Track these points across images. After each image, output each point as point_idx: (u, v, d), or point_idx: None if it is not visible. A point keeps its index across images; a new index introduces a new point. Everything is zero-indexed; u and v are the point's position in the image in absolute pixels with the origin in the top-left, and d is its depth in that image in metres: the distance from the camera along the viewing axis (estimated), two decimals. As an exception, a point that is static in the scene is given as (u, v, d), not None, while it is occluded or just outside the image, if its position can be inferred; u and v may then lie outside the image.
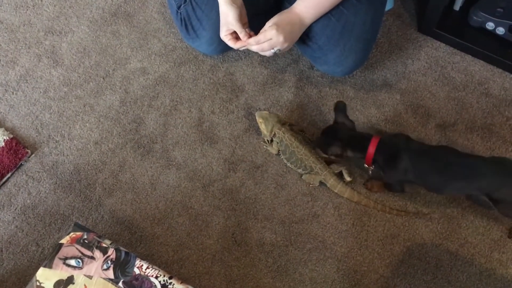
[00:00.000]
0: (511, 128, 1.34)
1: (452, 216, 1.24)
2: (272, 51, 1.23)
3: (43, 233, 1.26)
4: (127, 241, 1.24)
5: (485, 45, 1.41)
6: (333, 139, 1.20)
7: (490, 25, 1.39)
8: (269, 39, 1.21)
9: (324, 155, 1.24)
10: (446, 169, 1.13)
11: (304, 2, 1.24)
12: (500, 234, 1.22)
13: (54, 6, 1.56)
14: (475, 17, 1.40)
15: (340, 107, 1.23)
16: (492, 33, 1.40)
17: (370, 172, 1.22)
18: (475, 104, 1.37)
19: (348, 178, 1.27)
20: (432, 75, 1.42)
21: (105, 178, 1.32)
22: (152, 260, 1.21)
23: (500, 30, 1.38)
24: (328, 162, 1.28)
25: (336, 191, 1.26)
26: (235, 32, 1.25)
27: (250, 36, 1.24)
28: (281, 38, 1.20)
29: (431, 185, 1.17)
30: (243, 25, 1.23)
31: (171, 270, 1.21)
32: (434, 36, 1.46)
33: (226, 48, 1.42)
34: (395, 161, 1.15)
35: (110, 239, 1.11)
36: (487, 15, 1.37)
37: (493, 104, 1.37)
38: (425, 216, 1.24)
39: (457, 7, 1.45)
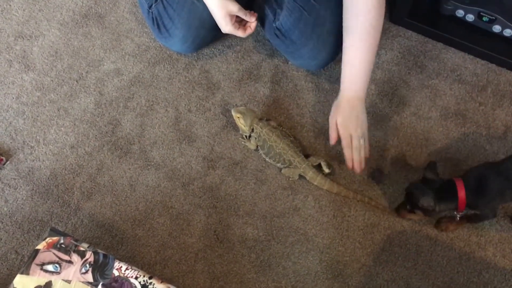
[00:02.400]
0: (484, 113, 1.36)
1: (430, 202, 1.26)
2: (361, 145, 1.19)
3: (22, 240, 1.24)
4: (108, 244, 1.23)
5: (456, 32, 1.43)
6: (424, 195, 1.10)
7: (460, 13, 1.41)
8: (349, 135, 1.18)
9: (413, 216, 1.18)
10: None
11: (347, 79, 1.19)
12: (478, 218, 1.24)
13: (23, 10, 1.54)
14: (445, 5, 1.42)
15: (432, 166, 1.14)
16: (462, 20, 1.42)
17: (458, 218, 1.17)
18: (448, 91, 1.39)
19: (326, 170, 1.28)
20: (405, 64, 1.43)
21: (83, 182, 1.31)
22: (134, 262, 1.21)
23: (470, 17, 1.40)
24: (306, 155, 1.29)
25: (315, 183, 1.27)
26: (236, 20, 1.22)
27: (254, 15, 1.24)
28: (358, 130, 1.18)
29: None
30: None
31: (154, 270, 1.20)
32: (405, 25, 1.48)
33: (200, 46, 1.42)
34: (486, 187, 1.09)
35: (90, 243, 1.10)
36: (457, 3, 1.39)
37: (465, 90, 1.39)
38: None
39: (427, -4, 1.47)
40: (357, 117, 1.20)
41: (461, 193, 1.08)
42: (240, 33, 1.26)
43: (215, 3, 1.22)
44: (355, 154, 1.20)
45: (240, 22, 1.27)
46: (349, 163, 1.21)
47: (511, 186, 1.10)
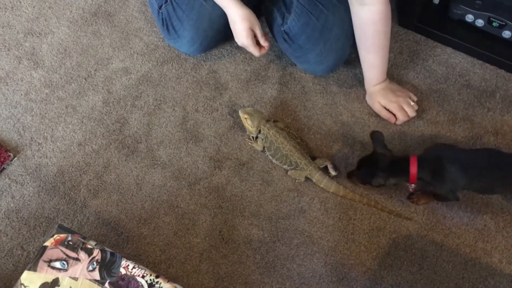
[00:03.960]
0: (493, 119, 1.35)
1: (437, 207, 1.26)
2: (412, 105, 1.33)
3: (28, 236, 1.24)
4: (113, 242, 1.23)
5: (465, 37, 1.42)
6: (376, 170, 1.17)
7: (469, 18, 1.40)
8: (398, 105, 1.31)
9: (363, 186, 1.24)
10: (496, 171, 1.14)
11: (371, 76, 1.31)
12: (484, 224, 1.23)
13: (33, 7, 1.54)
14: (454, 10, 1.41)
15: (377, 137, 1.20)
16: (471, 25, 1.41)
17: (411, 189, 1.22)
18: (456, 96, 1.39)
19: (333, 173, 1.28)
20: (414, 68, 1.43)
21: (90, 179, 1.31)
22: (139, 260, 1.21)
23: (480, 22, 1.39)
24: (313, 157, 1.28)
25: (322, 186, 1.27)
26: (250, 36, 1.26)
27: (268, 40, 1.29)
28: (400, 97, 1.31)
29: (482, 188, 1.18)
30: None
31: (159, 269, 1.20)
32: (414, 29, 1.47)
33: (208, 47, 1.42)
34: (442, 172, 1.13)
35: (95, 240, 1.11)
36: (466, 8, 1.39)
37: (474, 96, 1.38)
38: (407, 218, 1.24)
39: (436, 0, 1.47)
40: (392, 90, 1.32)
41: (413, 169, 1.14)
42: (255, 50, 1.28)
43: (240, 15, 1.23)
44: (410, 113, 1.32)
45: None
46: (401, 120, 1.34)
47: (464, 175, 1.14)
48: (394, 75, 1.42)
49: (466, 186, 1.17)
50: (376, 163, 1.18)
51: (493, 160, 1.16)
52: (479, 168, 1.15)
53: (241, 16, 1.24)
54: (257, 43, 1.28)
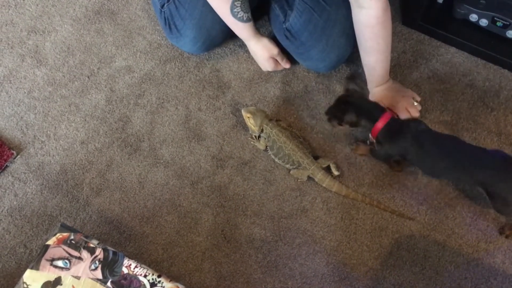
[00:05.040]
0: (496, 119, 1.35)
1: (439, 207, 1.25)
2: (415, 106, 1.32)
3: (31, 234, 1.25)
4: (116, 241, 1.23)
5: (469, 37, 1.42)
6: (349, 107, 1.19)
7: (473, 17, 1.40)
8: (401, 111, 1.31)
9: (339, 127, 1.25)
10: (449, 157, 1.16)
11: (373, 78, 1.30)
12: (487, 224, 1.23)
13: (37, 5, 1.54)
14: (458, 9, 1.41)
15: (352, 76, 1.25)
16: (475, 25, 1.41)
17: (369, 142, 1.26)
18: (460, 96, 1.38)
19: (336, 172, 1.28)
20: (417, 68, 1.42)
21: (92, 177, 1.31)
22: (141, 259, 1.21)
23: (483, 22, 1.39)
24: (316, 157, 1.28)
25: (324, 185, 1.27)
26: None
27: (289, 63, 1.39)
28: (403, 99, 1.31)
29: (429, 169, 1.21)
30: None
31: (161, 268, 1.20)
32: (418, 29, 1.47)
33: (211, 46, 1.42)
34: (397, 139, 1.17)
35: (98, 239, 1.11)
36: (470, 7, 1.38)
37: (477, 96, 1.38)
38: (410, 218, 1.25)
39: (440, -1, 1.46)
40: (395, 90, 1.32)
41: (381, 123, 1.17)
42: (279, 68, 1.41)
43: (259, 47, 1.36)
44: (413, 113, 1.31)
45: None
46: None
47: (417, 152, 1.16)
48: (398, 74, 1.41)
49: (416, 162, 1.21)
50: (349, 100, 1.21)
51: (450, 145, 1.18)
52: (433, 149, 1.17)
53: (261, 47, 1.35)
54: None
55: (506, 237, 1.21)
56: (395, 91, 1.32)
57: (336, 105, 1.23)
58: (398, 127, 1.18)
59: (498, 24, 1.36)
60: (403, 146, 1.17)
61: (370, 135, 1.21)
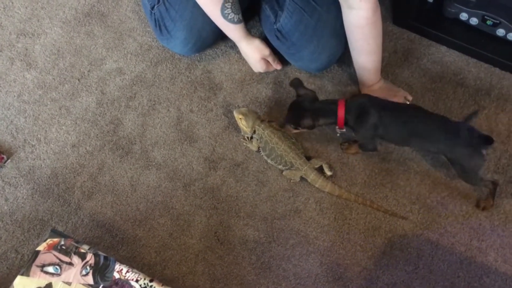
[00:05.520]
0: (487, 117, 1.35)
1: (432, 206, 1.26)
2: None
3: (22, 239, 1.23)
4: (108, 244, 1.23)
5: (459, 36, 1.42)
6: (303, 111, 1.23)
7: (464, 16, 1.40)
8: None
9: (296, 131, 1.27)
10: (409, 125, 1.20)
11: (364, 78, 1.31)
12: (479, 222, 1.23)
13: (26, 8, 1.53)
14: (449, 9, 1.41)
15: (296, 82, 1.27)
16: (466, 23, 1.41)
17: (338, 134, 1.28)
18: (451, 94, 1.39)
19: (328, 173, 1.28)
20: (408, 67, 1.43)
21: (84, 181, 1.30)
22: (134, 262, 1.21)
23: (474, 21, 1.39)
24: (308, 158, 1.28)
25: (317, 186, 1.27)
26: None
27: (280, 64, 1.39)
28: (395, 98, 1.29)
29: (396, 139, 1.25)
30: None
31: (154, 271, 1.20)
32: (409, 28, 1.47)
33: (201, 48, 1.42)
34: (365, 118, 1.19)
35: (90, 243, 1.10)
36: (460, 6, 1.38)
37: (469, 94, 1.38)
38: (403, 217, 1.25)
39: (431, -2, 1.46)
40: (386, 90, 1.32)
41: (341, 112, 1.20)
42: (271, 69, 1.40)
43: (250, 48, 1.35)
44: None
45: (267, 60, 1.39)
46: None
47: (384, 125, 1.19)
48: (389, 74, 1.41)
49: (384, 134, 1.22)
50: (302, 104, 1.24)
51: (412, 113, 1.21)
52: (396, 117, 1.20)
53: (253, 49, 1.35)
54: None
55: (483, 209, 1.24)
56: (387, 90, 1.33)
57: (290, 111, 1.26)
58: (359, 108, 1.21)
59: (488, 22, 1.37)
60: (372, 122, 1.19)
61: (337, 127, 1.24)
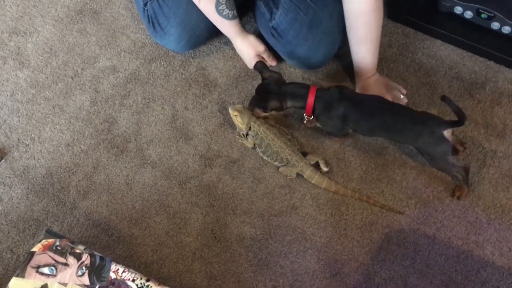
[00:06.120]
0: (483, 110, 1.35)
1: (428, 200, 1.26)
2: (402, 99, 1.33)
3: (17, 239, 1.23)
4: (104, 244, 1.22)
5: (454, 29, 1.42)
6: (269, 94, 1.22)
7: (458, 10, 1.40)
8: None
9: (265, 114, 1.27)
10: (377, 117, 1.21)
11: (362, 68, 1.30)
12: (476, 216, 1.24)
13: (17, 6, 1.52)
14: (443, 2, 1.41)
15: (260, 66, 1.27)
16: (460, 17, 1.41)
17: (305, 122, 1.29)
18: (446, 88, 1.38)
19: (324, 169, 1.27)
20: (403, 62, 1.42)
21: (79, 180, 1.29)
22: (131, 261, 1.20)
23: (468, 14, 1.39)
24: (304, 154, 1.28)
25: (313, 182, 1.26)
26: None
27: (275, 60, 1.39)
28: (389, 93, 1.31)
29: (364, 131, 1.26)
30: None
31: (151, 270, 1.19)
32: (404, 22, 1.47)
33: (195, 45, 1.41)
34: (333, 108, 1.21)
35: (86, 243, 1.09)
36: (455, 0, 1.38)
37: (464, 88, 1.38)
38: (399, 212, 1.25)
39: (425, -8, 1.46)
40: (382, 83, 1.32)
41: (311, 99, 1.20)
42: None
43: (245, 45, 1.35)
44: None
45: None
46: None
47: (351, 117, 1.21)
48: (384, 68, 1.41)
49: (353, 126, 1.24)
50: (268, 87, 1.23)
51: (379, 105, 1.22)
52: (365, 109, 1.21)
53: (247, 45, 1.35)
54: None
55: (458, 198, 1.24)
56: (382, 84, 1.32)
57: (257, 94, 1.25)
58: (329, 98, 1.21)
59: (483, 16, 1.37)
60: (340, 114, 1.20)
61: (304, 114, 1.24)
